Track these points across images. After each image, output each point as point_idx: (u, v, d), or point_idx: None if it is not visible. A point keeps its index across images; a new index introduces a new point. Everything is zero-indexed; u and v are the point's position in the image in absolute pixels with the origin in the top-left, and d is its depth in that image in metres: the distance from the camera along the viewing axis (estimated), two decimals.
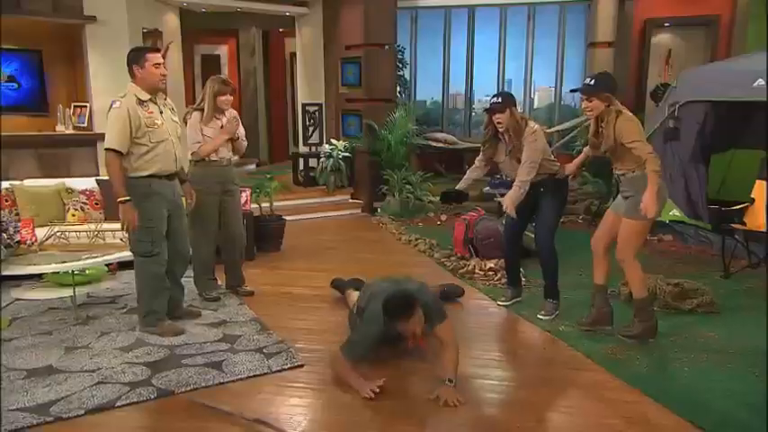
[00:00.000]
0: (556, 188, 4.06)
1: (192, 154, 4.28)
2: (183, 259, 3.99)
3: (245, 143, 4.51)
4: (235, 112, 4.47)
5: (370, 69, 7.83)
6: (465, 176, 4.18)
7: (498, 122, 3.90)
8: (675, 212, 6.30)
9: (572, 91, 4.01)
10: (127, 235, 4.33)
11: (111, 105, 3.53)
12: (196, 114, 4.29)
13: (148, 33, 7.49)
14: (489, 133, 4.05)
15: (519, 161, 3.89)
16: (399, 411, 2.91)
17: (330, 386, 3.17)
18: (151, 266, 3.71)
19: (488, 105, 3.97)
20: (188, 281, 4.27)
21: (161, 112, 3.69)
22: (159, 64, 3.62)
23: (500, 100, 3.90)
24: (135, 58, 3.62)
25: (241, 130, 4.43)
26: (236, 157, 4.50)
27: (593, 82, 3.57)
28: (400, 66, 8.97)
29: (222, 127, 4.31)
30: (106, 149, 3.53)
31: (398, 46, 8.48)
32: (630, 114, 3.56)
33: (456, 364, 3.09)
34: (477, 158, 4.19)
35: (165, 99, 3.83)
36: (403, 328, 3.10)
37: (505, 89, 9.99)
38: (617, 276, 4.08)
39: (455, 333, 3.26)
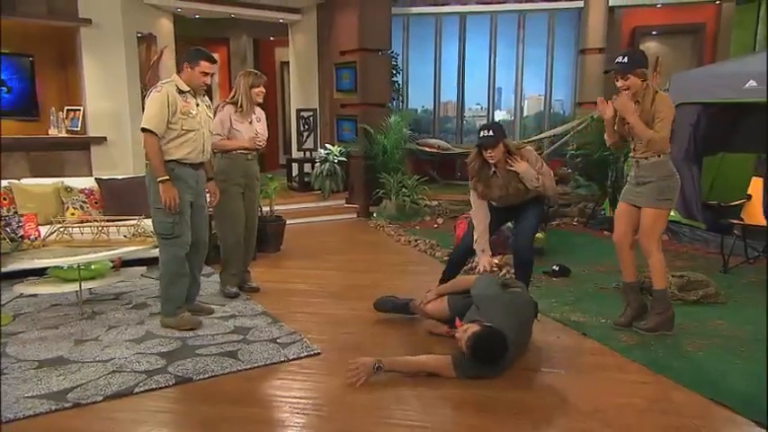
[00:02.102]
0: (538, 199, 4.04)
1: (212, 146, 4.25)
2: (201, 250, 3.93)
3: (264, 144, 4.52)
4: (263, 115, 4.55)
5: (365, 74, 7.86)
6: (480, 236, 3.91)
7: (490, 156, 3.72)
8: (671, 213, 6.39)
9: (606, 72, 3.80)
10: (133, 232, 4.33)
11: (153, 90, 3.61)
12: (228, 107, 4.33)
13: (143, 38, 7.48)
14: (476, 166, 3.84)
15: (516, 191, 3.80)
16: (424, 395, 2.90)
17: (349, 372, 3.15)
18: (172, 248, 3.68)
19: (479, 140, 3.74)
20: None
21: (197, 105, 3.75)
22: (208, 74, 3.71)
23: (491, 133, 3.68)
24: (190, 57, 3.68)
25: (263, 133, 4.48)
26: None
27: (626, 59, 3.46)
28: (394, 72, 9.02)
29: (251, 123, 4.37)
30: (143, 129, 3.57)
31: (392, 52, 8.53)
32: (667, 95, 3.53)
33: (404, 366, 3.05)
34: (477, 209, 3.94)
35: (204, 96, 3.88)
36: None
37: (496, 97, 10.14)
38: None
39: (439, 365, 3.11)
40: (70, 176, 6.20)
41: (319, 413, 2.73)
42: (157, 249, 4.31)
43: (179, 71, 3.76)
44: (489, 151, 3.71)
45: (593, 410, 2.73)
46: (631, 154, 3.68)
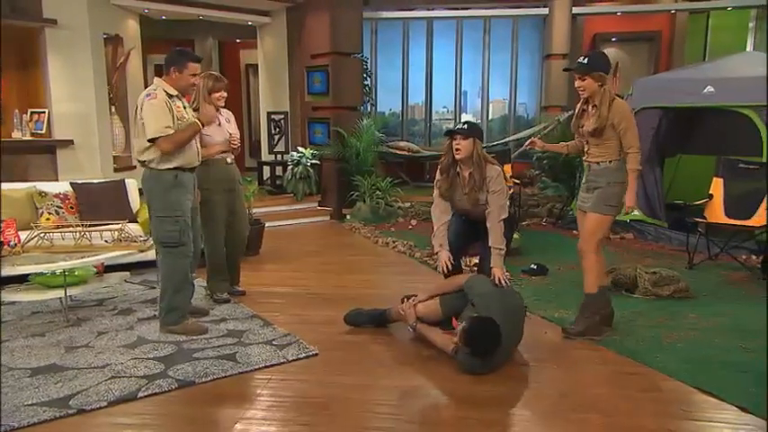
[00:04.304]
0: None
1: None
2: (196, 254, 3.86)
3: (239, 144, 4.43)
4: (231, 115, 4.44)
5: (337, 78, 7.90)
6: (438, 231, 3.79)
7: (457, 148, 3.62)
8: (636, 213, 6.67)
9: (565, 70, 3.73)
10: (117, 237, 4.26)
11: (146, 98, 3.48)
12: None
13: (109, 39, 7.33)
14: (447, 161, 3.74)
15: (476, 202, 3.70)
16: (431, 392, 2.99)
17: (353, 371, 3.21)
18: (177, 258, 3.60)
19: (453, 128, 3.69)
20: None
21: (184, 107, 3.66)
22: (196, 75, 3.64)
23: (466, 127, 3.64)
24: (176, 60, 3.58)
25: (236, 134, 4.36)
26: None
27: (586, 61, 3.46)
28: (364, 75, 9.08)
29: (220, 125, 4.24)
30: (156, 139, 3.43)
31: (362, 56, 8.59)
32: (624, 101, 3.56)
33: (431, 339, 3.46)
34: (437, 205, 3.84)
35: (185, 96, 3.78)
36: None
37: (461, 101, 10.32)
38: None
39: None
40: (35, 181, 6.03)
41: (326, 412, 2.78)
42: (142, 254, 4.31)
43: (164, 75, 3.61)
44: (458, 140, 3.61)
45: (591, 401, 2.87)
46: (584, 158, 3.67)
